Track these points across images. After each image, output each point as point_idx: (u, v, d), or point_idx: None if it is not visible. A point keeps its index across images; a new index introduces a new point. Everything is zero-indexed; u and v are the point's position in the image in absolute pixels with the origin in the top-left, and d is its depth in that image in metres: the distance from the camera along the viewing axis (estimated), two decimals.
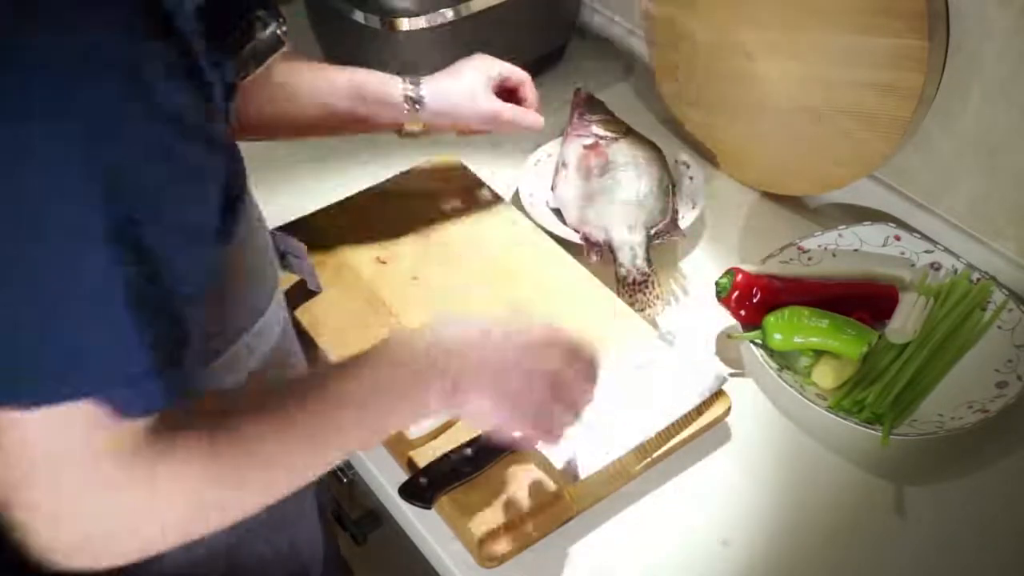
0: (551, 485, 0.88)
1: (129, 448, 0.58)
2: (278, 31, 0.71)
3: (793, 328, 0.99)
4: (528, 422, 0.74)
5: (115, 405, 0.56)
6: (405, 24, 1.25)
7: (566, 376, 0.74)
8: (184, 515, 0.62)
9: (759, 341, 1.00)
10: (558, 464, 0.88)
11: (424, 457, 0.90)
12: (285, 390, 0.68)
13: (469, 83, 1.06)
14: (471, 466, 0.88)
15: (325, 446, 0.68)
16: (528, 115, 1.09)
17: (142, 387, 0.57)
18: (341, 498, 1.13)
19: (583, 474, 0.88)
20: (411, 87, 1.03)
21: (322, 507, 0.98)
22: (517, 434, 0.75)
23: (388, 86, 1.02)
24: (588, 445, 0.89)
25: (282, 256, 0.98)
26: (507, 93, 1.10)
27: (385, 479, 0.93)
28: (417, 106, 1.03)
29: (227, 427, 0.63)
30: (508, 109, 1.08)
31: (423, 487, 0.87)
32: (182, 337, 0.59)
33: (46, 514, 0.57)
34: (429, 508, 0.87)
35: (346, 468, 1.05)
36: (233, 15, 0.70)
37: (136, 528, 0.60)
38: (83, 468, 0.57)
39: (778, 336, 0.99)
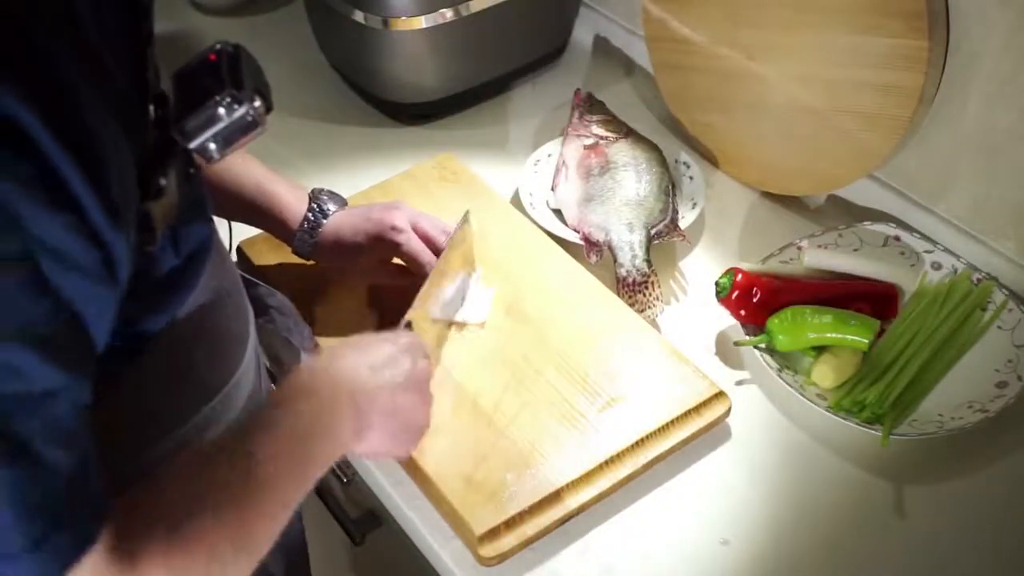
0: (551, 484, 0.88)
1: None
2: (249, 114, 0.64)
3: (798, 327, 0.99)
4: (412, 443, 0.85)
5: None
6: (405, 24, 1.26)
7: (423, 371, 0.83)
8: None
9: (763, 345, 1.00)
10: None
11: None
12: (216, 462, 0.66)
13: (355, 256, 1.00)
14: None
15: (268, 510, 0.67)
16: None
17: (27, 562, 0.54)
18: (341, 498, 1.13)
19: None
20: (317, 209, 1.00)
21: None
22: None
23: (297, 203, 1.00)
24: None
25: (263, 310, 0.96)
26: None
27: (385, 479, 0.93)
28: (305, 245, 1.00)
29: (173, 526, 0.61)
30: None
31: None
32: (75, 485, 0.55)
33: None
34: None
35: (346, 468, 1.05)
36: (194, 96, 0.65)
37: None
38: None
39: (784, 337, 0.99)
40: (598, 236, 1.11)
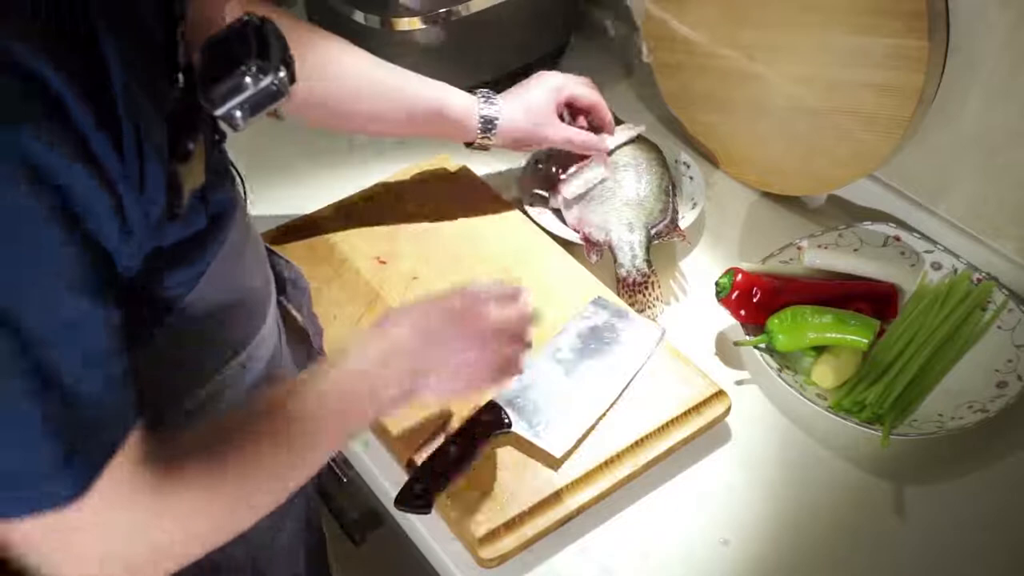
0: (551, 485, 0.88)
1: (127, 496, 0.61)
2: (274, 83, 0.68)
3: (798, 327, 0.99)
4: (485, 381, 0.83)
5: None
6: (405, 24, 1.25)
7: (503, 321, 0.83)
8: (188, 540, 0.66)
9: (763, 345, 1.00)
10: (540, 444, 0.90)
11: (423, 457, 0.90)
12: (264, 407, 0.72)
13: (538, 106, 1.10)
14: (461, 460, 0.88)
15: (309, 453, 0.73)
16: (598, 143, 1.14)
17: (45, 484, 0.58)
18: (341, 498, 1.13)
19: (560, 451, 0.90)
20: (486, 108, 1.08)
21: (308, 531, 0.99)
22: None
23: (468, 110, 1.08)
24: (560, 423, 0.92)
25: (280, 281, 0.98)
26: (577, 109, 1.16)
27: (385, 479, 0.93)
28: (490, 130, 1.09)
29: (217, 453, 0.67)
30: (577, 137, 1.13)
31: (419, 493, 0.87)
32: (98, 416, 0.60)
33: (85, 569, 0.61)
34: (429, 512, 0.87)
35: (346, 468, 1.05)
36: (221, 67, 0.69)
37: (152, 560, 0.65)
38: (89, 528, 0.60)
39: (784, 337, 0.99)
40: (598, 236, 1.11)
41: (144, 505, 0.62)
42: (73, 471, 0.58)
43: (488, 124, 1.09)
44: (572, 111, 1.17)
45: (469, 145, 1.11)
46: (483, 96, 1.09)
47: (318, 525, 1.05)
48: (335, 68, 1.03)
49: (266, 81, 0.68)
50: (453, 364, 0.80)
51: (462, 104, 1.08)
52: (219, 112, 0.67)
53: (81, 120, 0.55)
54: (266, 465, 0.69)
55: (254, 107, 0.68)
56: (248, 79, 0.67)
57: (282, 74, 0.69)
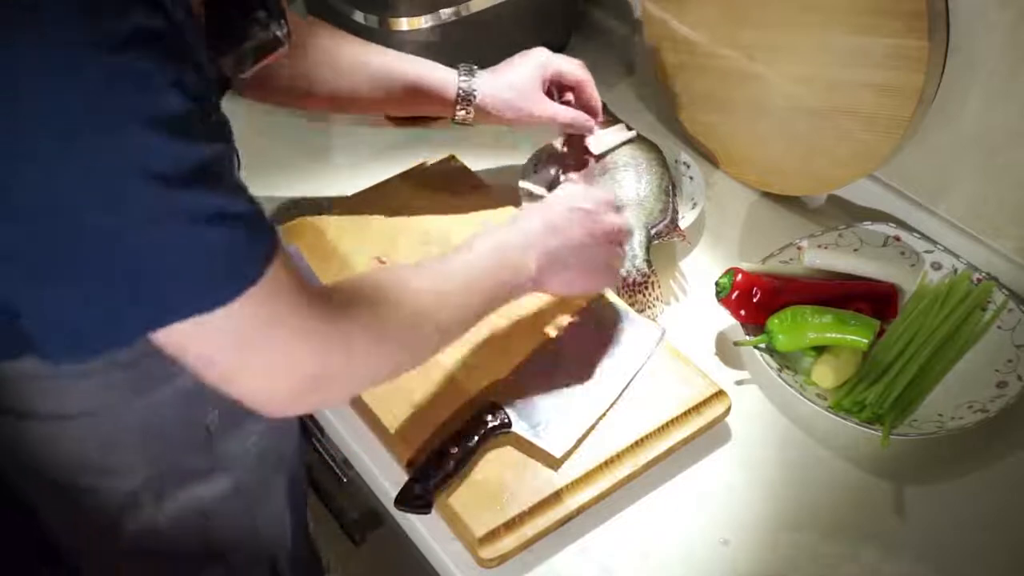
0: (551, 485, 0.88)
1: (320, 305, 0.68)
2: (277, 33, 0.75)
3: (798, 327, 0.99)
4: (597, 278, 0.95)
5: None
6: (405, 24, 1.25)
7: (613, 227, 0.94)
8: (372, 358, 0.73)
9: (763, 345, 1.00)
10: (540, 444, 0.90)
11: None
12: (433, 264, 0.82)
13: (522, 82, 1.10)
14: (461, 460, 0.88)
15: (475, 300, 0.82)
16: (585, 121, 1.14)
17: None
18: (341, 498, 1.13)
19: (560, 451, 0.90)
20: (466, 81, 1.08)
21: (294, 493, 1.00)
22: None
23: (446, 83, 1.08)
24: (560, 423, 0.92)
25: None
26: (564, 87, 1.15)
27: (385, 479, 0.93)
28: (468, 104, 1.09)
29: (395, 287, 0.75)
30: (563, 113, 1.13)
31: (419, 493, 0.87)
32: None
33: (263, 378, 0.67)
34: (429, 512, 0.87)
35: (346, 468, 1.05)
36: (232, 15, 0.73)
37: (336, 373, 0.70)
38: (287, 329, 0.66)
39: (784, 337, 0.99)
40: None
41: (312, 327, 0.67)
42: (232, 276, 0.63)
43: (467, 97, 1.08)
44: (560, 90, 1.16)
45: (452, 120, 1.11)
46: (464, 69, 1.10)
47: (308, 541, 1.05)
48: (315, 48, 1.04)
49: (271, 30, 0.74)
50: (574, 258, 0.89)
51: (440, 77, 1.08)
52: (226, 60, 0.73)
53: (177, 19, 0.60)
54: (430, 302, 0.78)
55: (257, 56, 0.74)
56: (256, 27, 0.74)
57: (283, 25, 0.75)
